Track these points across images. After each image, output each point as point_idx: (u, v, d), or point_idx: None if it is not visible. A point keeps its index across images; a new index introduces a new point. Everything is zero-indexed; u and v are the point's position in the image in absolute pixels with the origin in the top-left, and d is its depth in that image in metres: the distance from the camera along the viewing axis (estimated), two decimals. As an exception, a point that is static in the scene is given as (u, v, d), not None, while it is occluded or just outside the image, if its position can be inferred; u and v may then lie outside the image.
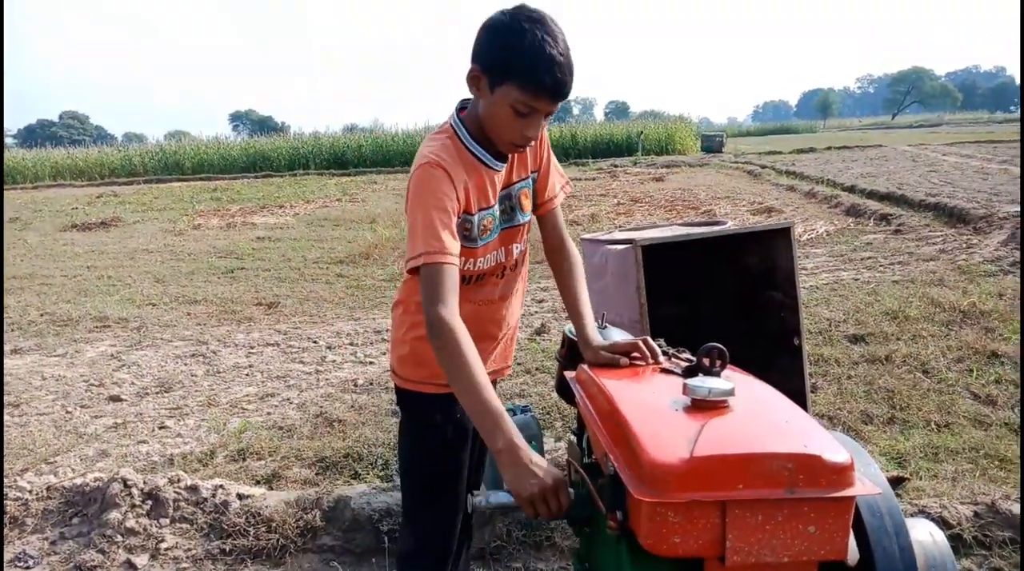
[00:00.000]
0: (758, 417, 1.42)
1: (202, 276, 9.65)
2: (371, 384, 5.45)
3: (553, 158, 2.10)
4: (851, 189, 14.95)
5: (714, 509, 1.25)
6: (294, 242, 12.07)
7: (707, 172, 23.03)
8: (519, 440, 1.60)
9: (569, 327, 2.06)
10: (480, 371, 1.65)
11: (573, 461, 1.82)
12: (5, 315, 7.89)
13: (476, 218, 1.90)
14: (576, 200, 15.70)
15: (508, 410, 3.71)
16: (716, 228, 3.65)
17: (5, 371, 6.03)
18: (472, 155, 1.88)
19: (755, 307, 3.98)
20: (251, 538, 3.57)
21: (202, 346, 6.61)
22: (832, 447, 1.29)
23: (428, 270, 1.71)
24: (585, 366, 1.80)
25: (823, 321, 6.14)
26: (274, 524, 3.60)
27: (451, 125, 1.91)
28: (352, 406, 5.00)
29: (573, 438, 2.00)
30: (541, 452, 3.57)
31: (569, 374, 1.91)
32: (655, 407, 1.48)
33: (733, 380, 1.49)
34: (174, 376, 5.83)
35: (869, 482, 1.30)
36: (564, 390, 2.09)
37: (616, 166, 26.67)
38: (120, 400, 5.39)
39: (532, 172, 2.06)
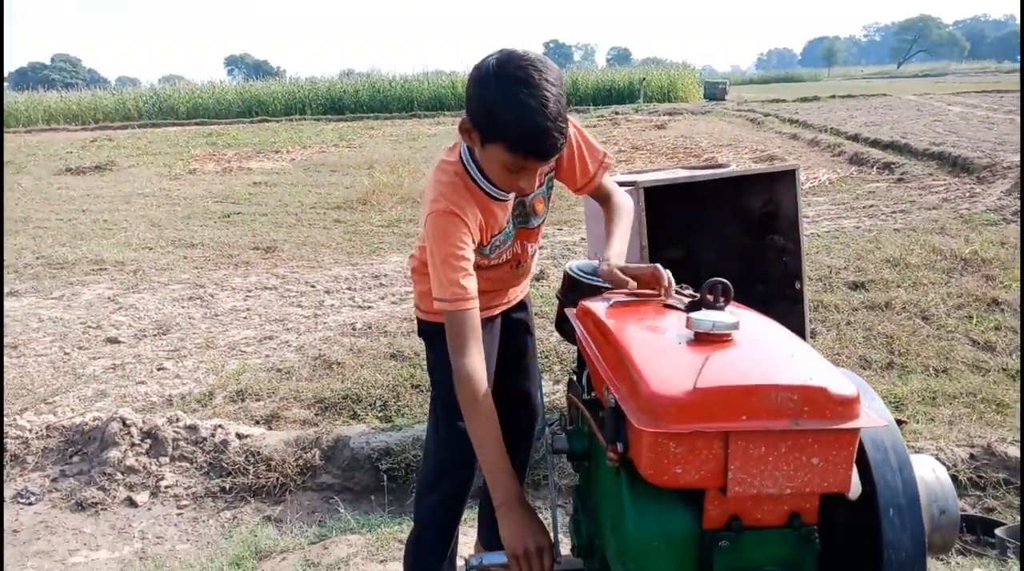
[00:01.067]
0: (763, 350, 1.40)
1: (198, 220, 9.59)
2: (369, 328, 5.44)
3: (581, 142, 2.05)
4: (855, 138, 14.78)
5: (716, 440, 1.23)
6: (291, 187, 11.97)
7: (709, 120, 22.76)
8: (519, 498, 1.74)
9: (570, 264, 2.03)
10: (495, 428, 1.79)
11: (573, 397, 1.80)
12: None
13: (490, 246, 2.02)
14: (576, 147, 15.50)
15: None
16: (719, 171, 3.60)
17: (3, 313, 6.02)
18: (482, 191, 1.94)
19: (755, 253, 3.95)
20: (251, 476, 3.60)
21: (199, 289, 6.58)
22: (838, 380, 1.27)
23: (451, 316, 1.84)
24: (586, 302, 1.77)
25: (823, 268, 6.11)
26: (274, 463, 3.63)
27: (460, 159, 1.94)
28: (351, 349, 5.00)
29: (573, 376, 1.98)
30: (541, 397, 3.57)
31: (569, 311, 1.88)
32: (657, 340, 1.45)
33: (737, 315, 1.46)
34: (172, 319, 5.82)
35: (875, 415, 1.28)
36: (564, 328, 2.07)
37: (617, 113, 26.34)
38: (118, 342, 5.38)
39: (546, 176, 2.09)
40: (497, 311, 2.31)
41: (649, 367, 1.31)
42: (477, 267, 1.94)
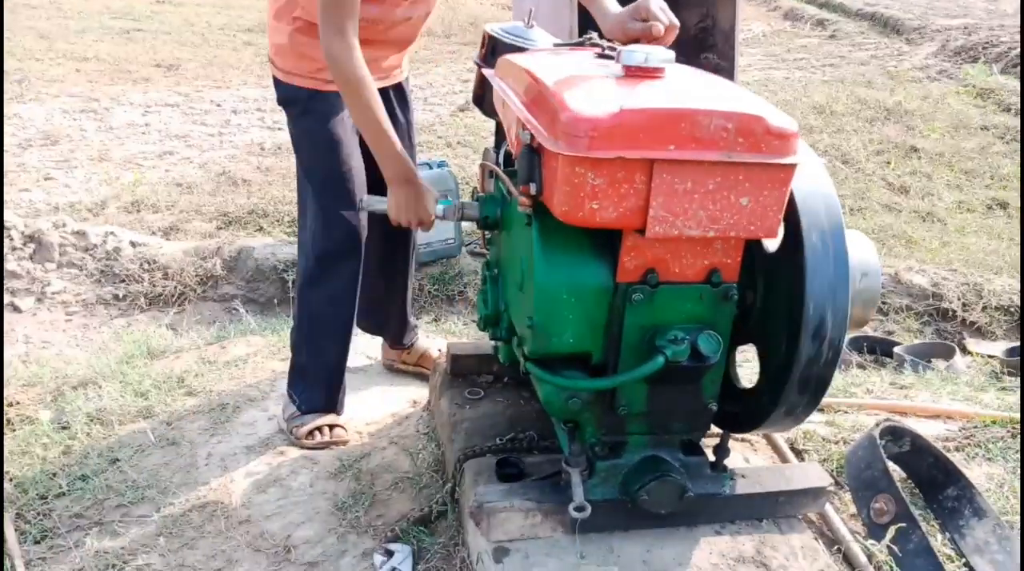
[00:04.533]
0: (699, 84, 1.26)
1: (93, 35, 8.74)
2: (279, 148, 5.13)
3: None
4: (791, -6, 14.48)
5: (639, 171, 1.11)
6: (197, 7, 11.00)
7: (647, -29, 21.92)
8: (411, 175, 1.69)
9: (490, 26, 1.82)
10: (379, 105, 1.66)
11: (487, 163, 1.65)
12: None
13: None
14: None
15: (423, 164, 3.51)
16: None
17: None
18: None
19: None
20: (146, 284, 3.40)
21: (93, 103, 6.05)
22: (777, 113, 1.15)
23: None
24: (508, 56, 1.59)
25: (751, 112, 6.03)
26: (171, 272, 3.43)
27: None
28: (258, 167, 4.71)
29: (488, 147, 1.82)
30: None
31: (489, 71, 1.70)
32: (585, 76, 1.30)
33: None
34: (61, 130, 5.34)
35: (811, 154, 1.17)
36: (483, 100, 1.88)
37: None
38: (0, 150, 4.93)
39: None
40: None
41: (572, 94, 1.16)
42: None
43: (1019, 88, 6.67)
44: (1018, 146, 5.37)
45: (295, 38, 1.84)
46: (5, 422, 2.31)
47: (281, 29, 1.86)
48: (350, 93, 1.65)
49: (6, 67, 6.94)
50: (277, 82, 1.93)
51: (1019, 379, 2.68)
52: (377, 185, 1.84)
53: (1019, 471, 1.78)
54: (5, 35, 8.48)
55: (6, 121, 5.51)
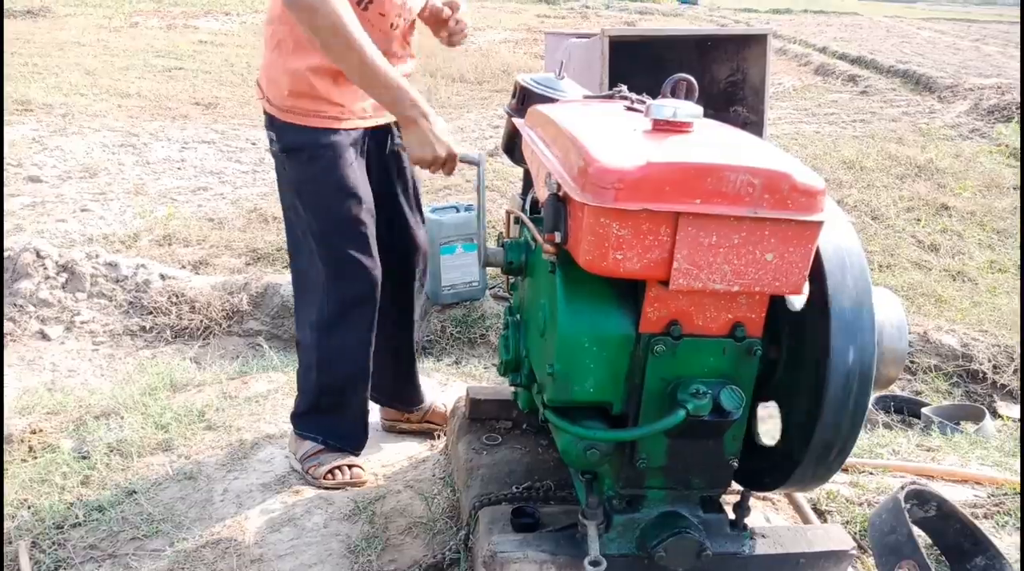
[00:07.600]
0: (726, 139, 1.27)
1: (137, 72, 9.01)
2: (311, 187, 5.21)
3: None
4: (823, 50, 14.57)
5: (664, 223, 1.11)
6: (239, 49, 11.32)
7: (680, 22, 22.20)
8: (424, 109, 1.66)
9: (521, 76, 1.85)
10: (370, 43, 1.60)
11: (513, 209, 1.66)
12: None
13: None
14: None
15: (451, 207, 3.55)
16: (689, 28, 3.41)
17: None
18: None
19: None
20: (173, 317, 3.43)
21: (132, 138, 6.21)
22: (804, 170, 1.14)
23: None
24: (537, 106, 1.61)
25: (780, 165, 6.03)
26: (198, 305, 3.46)
27: None
28: (289, 205, 4.78)
29: (516, 194, 1.84)
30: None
31: (519, 121, 1.72)
32: (613, 129, 1.31)
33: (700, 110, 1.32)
34: (100, 163, 5.48)
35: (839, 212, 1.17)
36: (514, 148, 1.90)
37: (588, 7, 25.44)
38: (40, 181, 5.06)
39: None
40: (356, 119, 1.83)
41: (599, 146, 1.17)
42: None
43: (1053, 149, 6.62)
44: (1052, 207, 5.31)
45: (304, 75, 1.73)
46: (27, 449, 2.33)
47: (285, 70, 1.75)
48: (341, 37, 1.55)
49: (54, 101, 7.17)
50: (276, 124, 1.80)
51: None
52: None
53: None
54: (54, 70, 8.78)
55: (49, 153, 5.67)
